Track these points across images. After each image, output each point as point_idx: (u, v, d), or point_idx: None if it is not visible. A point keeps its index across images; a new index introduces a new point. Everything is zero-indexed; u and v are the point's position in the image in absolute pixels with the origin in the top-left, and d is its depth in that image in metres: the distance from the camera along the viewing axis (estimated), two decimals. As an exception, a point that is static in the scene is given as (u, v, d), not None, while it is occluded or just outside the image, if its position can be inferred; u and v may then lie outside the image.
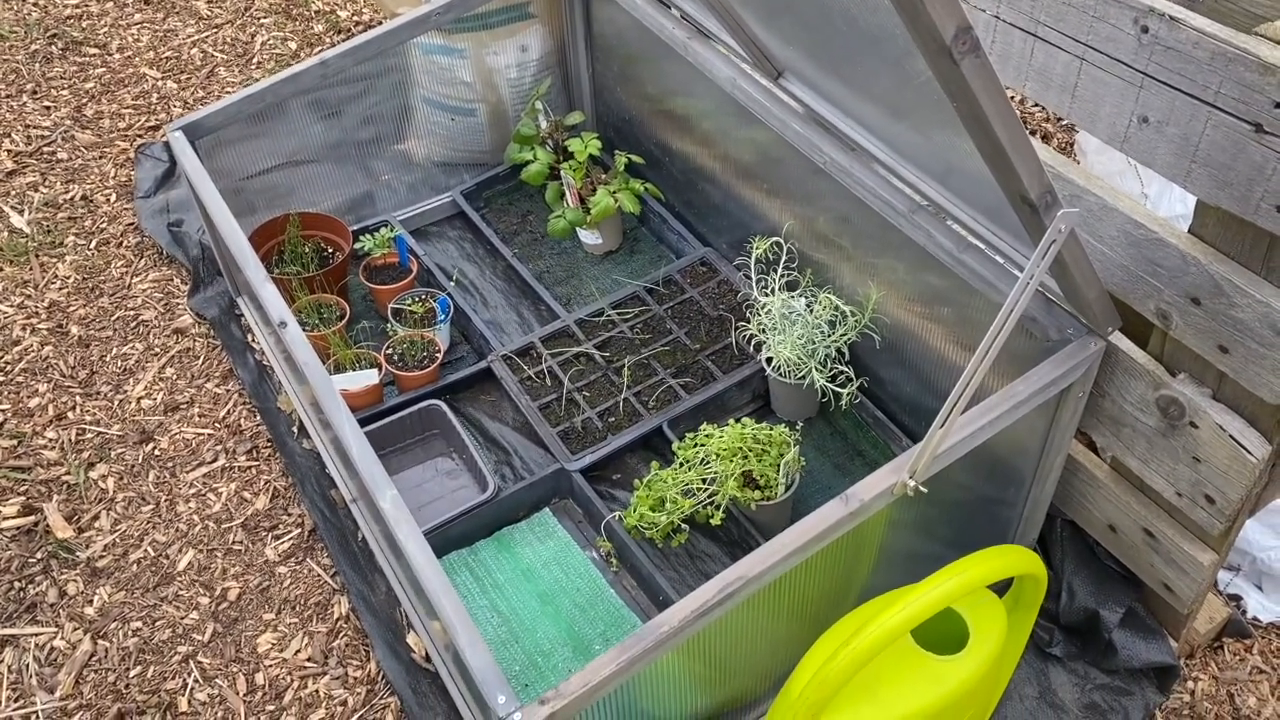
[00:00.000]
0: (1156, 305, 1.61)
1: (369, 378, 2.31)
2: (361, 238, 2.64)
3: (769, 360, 2.25)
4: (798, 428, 2.18)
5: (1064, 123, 3.14)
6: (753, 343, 2.34)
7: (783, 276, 2.24)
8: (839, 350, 2.21)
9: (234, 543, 2.24)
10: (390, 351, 2.41)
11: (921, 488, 1.55)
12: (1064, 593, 1.97)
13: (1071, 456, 1.90)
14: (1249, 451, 1.57)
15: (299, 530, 2.26)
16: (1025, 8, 1.62)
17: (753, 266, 2.25)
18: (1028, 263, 1.42)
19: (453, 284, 2.62)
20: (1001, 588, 1.85)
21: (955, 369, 2.00)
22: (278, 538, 2.25)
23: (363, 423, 2.30)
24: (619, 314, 2.52)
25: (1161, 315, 1.61)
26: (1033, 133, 3.11)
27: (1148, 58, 1.44)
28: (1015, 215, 1.45)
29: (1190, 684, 1.98)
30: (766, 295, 2.24)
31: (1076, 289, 1.54)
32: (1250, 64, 1.31)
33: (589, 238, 2.73)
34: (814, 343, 2.19)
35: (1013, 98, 3.20)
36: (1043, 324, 1.71)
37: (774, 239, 2.26)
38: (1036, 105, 3.20)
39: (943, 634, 1.61)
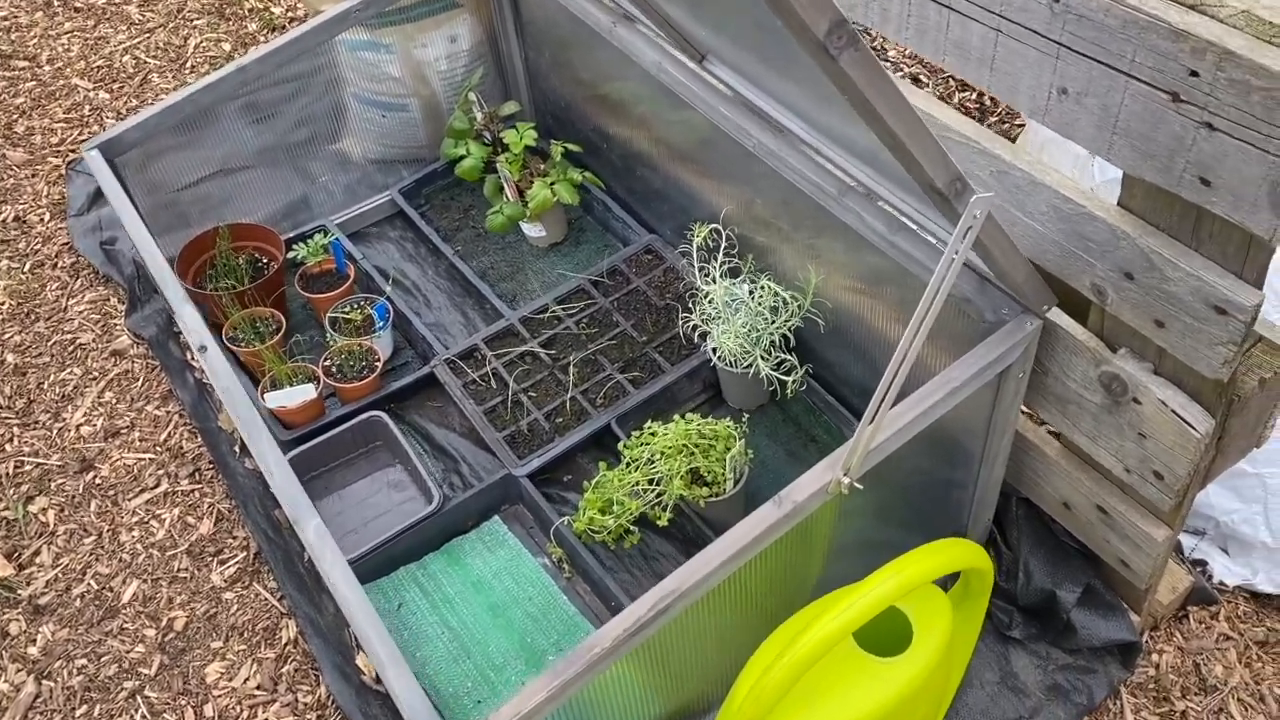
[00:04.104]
0: (1091, 281, 1.55)
1: (305, 393, 2.25)
2: (295, 245, 2.57)
3: (715, 350, 2.19)
4: (745, 418, 2.13)
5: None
6: (698, 332, 2.28)
7: (724, 264, 2.18)
8: (783, 336, 2.15)
9: (179, 570, 2.19)
10: (329, 363, 2.35)
11: (857, 484, 1.50)
12: (1021, 573, 1.93)
13: (1021, 434, 1.86)
14: (1192, 426, 1.52)
15: (244, 554, 2.21)
16: (938, -22, 1.54)
17: (694, 254, 2.19)
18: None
19: (390, 285, 2.55)
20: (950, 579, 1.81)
21: (900, 351, 1.95)
22: (223, 563, 2.20)
23: (303, 439, 2.25)
24: (564, 309, 2.46)
25: (1097, 291, 1.55)
26: (1002, 120, 3.01)
27: (1061, 27, 1.37)
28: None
29: (1155, 657, 1.95)
30: (709, 283, 2.18)
31: (1004, 272, 1.49)
32: (1162, 31, 1.25)
33: (532, 231, 2.66)
34: (758, 330, 2.14)
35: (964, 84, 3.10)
36: (977, 305, 1.65)
37: (714, 225, 2.19)
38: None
39: (888, 633, 1.57)
